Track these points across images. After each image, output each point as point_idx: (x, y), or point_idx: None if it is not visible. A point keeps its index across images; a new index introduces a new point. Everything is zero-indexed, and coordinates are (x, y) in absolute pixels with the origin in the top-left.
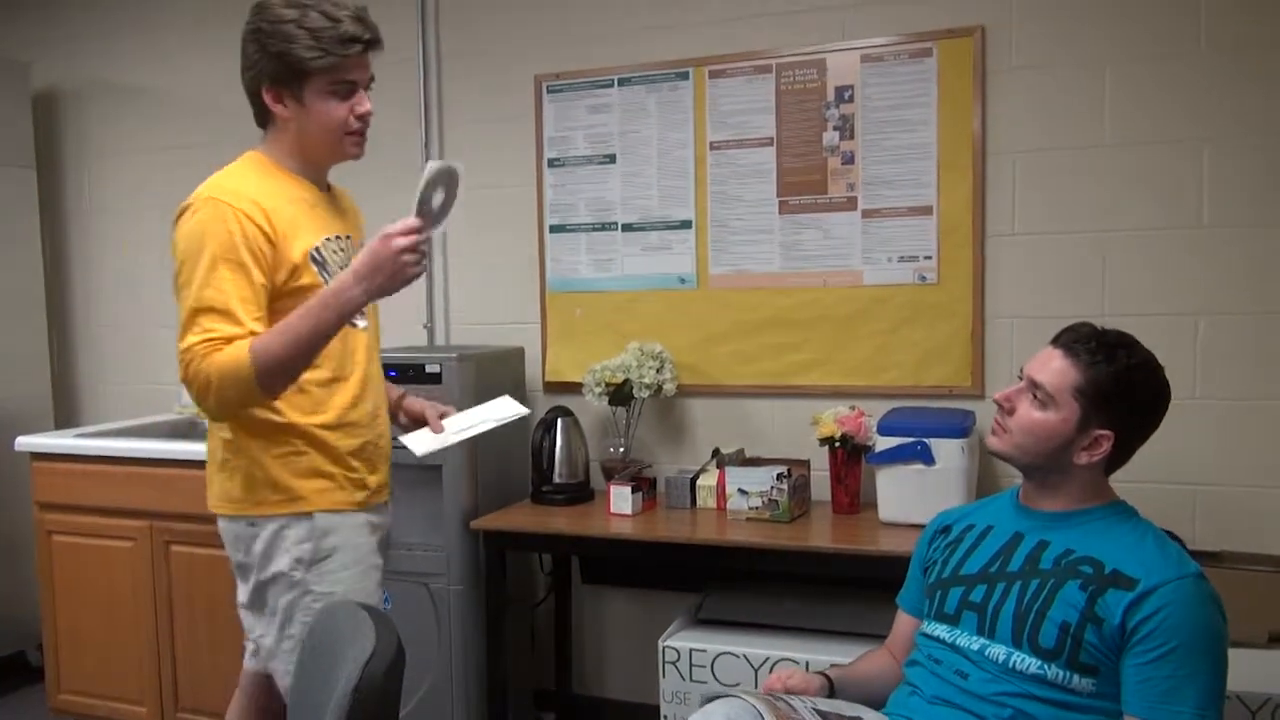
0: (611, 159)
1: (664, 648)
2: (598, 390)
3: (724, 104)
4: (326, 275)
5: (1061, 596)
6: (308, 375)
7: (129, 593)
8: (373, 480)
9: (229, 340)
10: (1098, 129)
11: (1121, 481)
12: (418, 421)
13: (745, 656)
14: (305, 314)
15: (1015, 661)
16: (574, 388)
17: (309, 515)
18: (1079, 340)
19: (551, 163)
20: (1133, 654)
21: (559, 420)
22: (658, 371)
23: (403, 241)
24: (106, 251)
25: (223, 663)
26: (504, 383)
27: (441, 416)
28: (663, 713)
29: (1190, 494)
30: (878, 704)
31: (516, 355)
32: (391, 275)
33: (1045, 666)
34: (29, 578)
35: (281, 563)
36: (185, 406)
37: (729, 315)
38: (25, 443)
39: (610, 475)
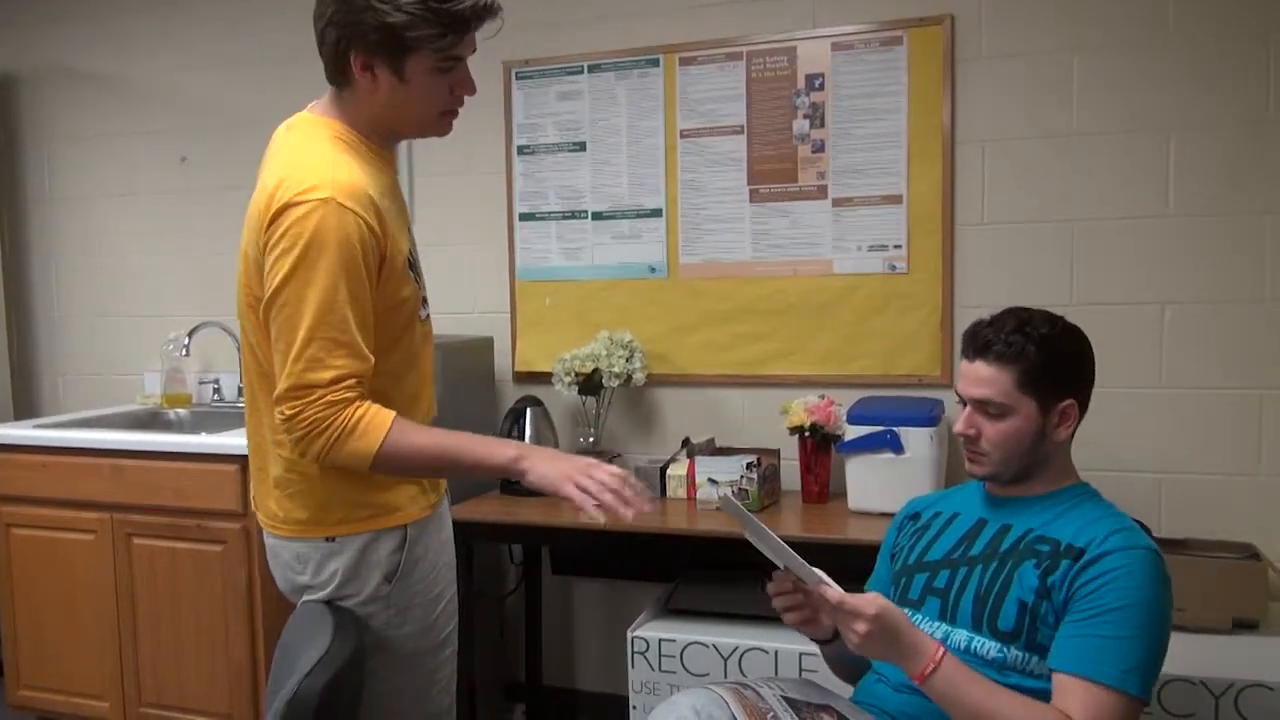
0: (581, 147)
1: (633, 638)
2: (567, 380)
3: (694, 91)
4: (420, 282)
5: (1019, 577)
6: (388, 386)
7: (90, 586)
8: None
9: (359, 379)
10: (1066, 117)
11: (1089, 470)
12: None
13: (715, 646)
14: (458, 438)
15: (976, 646)
16: (544, 377)
17: (401, 527)
18: (989, 342)
19: (521, 150)
20: (1070, 612)
21: (528, 410)
22: (627, 361)
23: (607, 477)
24: (67, 239)
25: (186, 656)
26: (474, 372)
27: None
28: (632, 703)
29: (1156, 482)
30: (851, 664)
31: (486, 345)
32: (566, 475)
33: (1005, 650)
34: None
35: (365, 580)
36: (148, 396)
37: (699, 304)
38: None
39: None
